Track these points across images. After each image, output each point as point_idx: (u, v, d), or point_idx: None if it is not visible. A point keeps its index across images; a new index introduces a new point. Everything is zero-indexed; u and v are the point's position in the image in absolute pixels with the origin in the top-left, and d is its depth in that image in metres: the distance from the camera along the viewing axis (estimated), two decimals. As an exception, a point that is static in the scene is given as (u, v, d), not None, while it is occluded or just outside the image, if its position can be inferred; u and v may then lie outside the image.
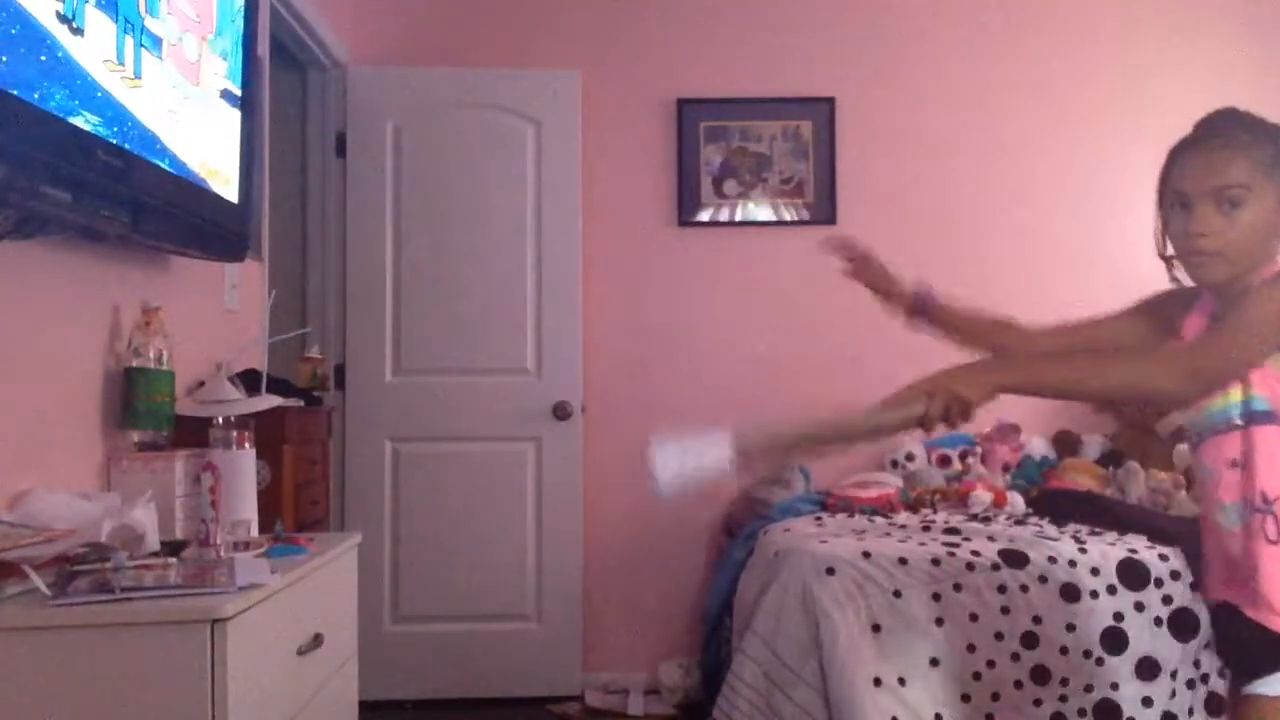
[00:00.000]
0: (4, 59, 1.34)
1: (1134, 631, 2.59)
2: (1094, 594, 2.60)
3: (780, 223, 3.80)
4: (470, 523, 3.44)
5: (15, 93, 1.37)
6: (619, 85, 3.76)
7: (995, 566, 2.61)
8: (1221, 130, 1.47)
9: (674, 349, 3.71)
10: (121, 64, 1.64)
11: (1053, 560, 2.63)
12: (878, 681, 2.48)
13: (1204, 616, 2.61)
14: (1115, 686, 2.57)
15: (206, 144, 2.01)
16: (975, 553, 2.65)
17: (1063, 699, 2.56)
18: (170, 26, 1.82)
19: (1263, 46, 3.87)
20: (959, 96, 3.83)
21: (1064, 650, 2.57)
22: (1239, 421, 1.44)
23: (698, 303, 3.76)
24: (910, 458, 3.64)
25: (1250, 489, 1.43)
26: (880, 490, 3.36)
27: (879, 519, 3.13)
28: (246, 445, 1.84)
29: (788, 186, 3.80)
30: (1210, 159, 1.44)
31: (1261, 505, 1.42)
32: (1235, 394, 1.43)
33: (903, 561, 2.60)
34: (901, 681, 2.50)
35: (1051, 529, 2.93)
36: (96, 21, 1.57)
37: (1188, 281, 1.54)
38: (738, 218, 3.80)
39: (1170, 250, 1.53)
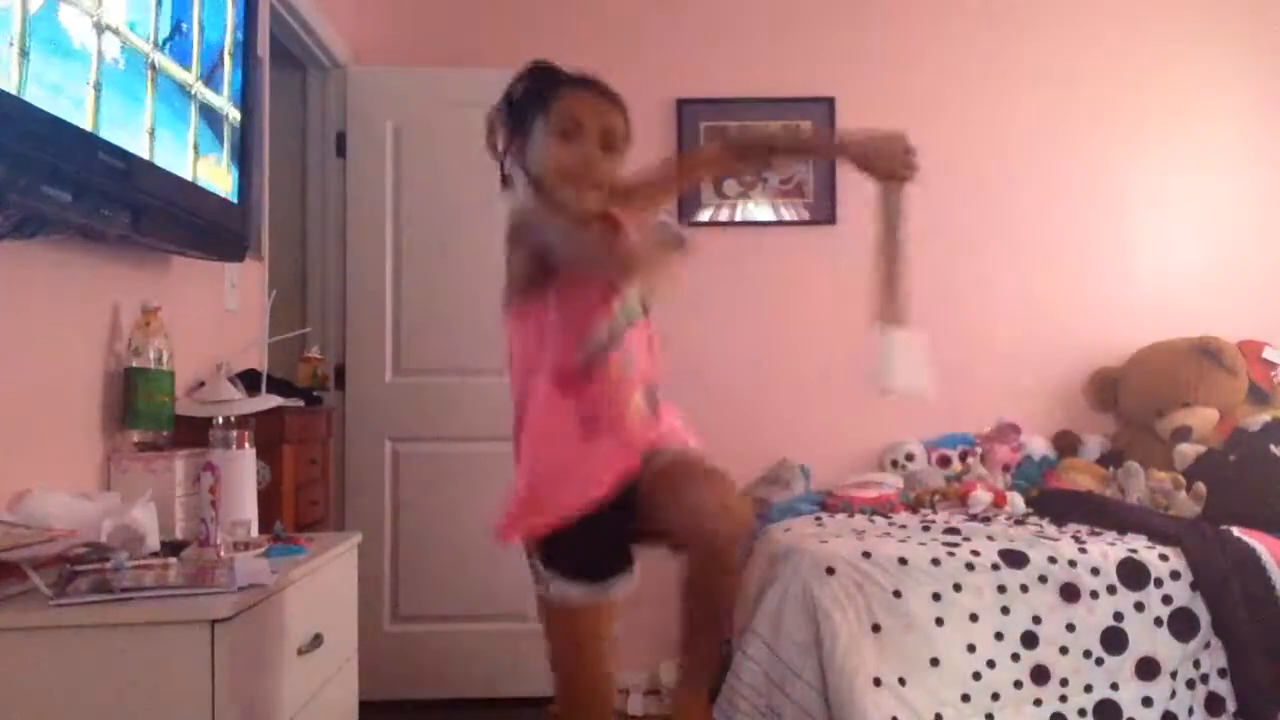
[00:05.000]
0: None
1: (1134, 631, 2.59)
2: (1094, 594, 2.60)
3: (780, 223, 3.80)
4: (470, 523, 3.43)
5: (15, 92, 1.37)
6: (619, 85, 3.72)
7: (995, 566, 2.61)
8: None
9: (673, 349, 3.70)
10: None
11: (1053, 560, 2.63)
12: (878, 681, 2.48)
13: (1204, 617, 2.62)
14: (1115, 686, 2.57)
15: (206, 144, 2.01)
16: (975, 553, 2.65)
17: (1063, 699, 2.56)
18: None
19: (1251, 46, 3.87)
20: (959, 96, 3.83)
21: (1064, 650, 2.57)
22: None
23: (698, 303, 3.76)
24: (910, 458, 3.64)
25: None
26: (880, 490, 3.37)
27: (879, 519, 3.13)
28: (246, 445, 1.84)
29: (788, 186, 3.80)
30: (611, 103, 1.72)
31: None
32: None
33: (903, 561, 2.60)
34: (901, 681, 2.50)
35: (1051, 529, 2.93)
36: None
37: None
38: (738, 218, 3.80)
39: None
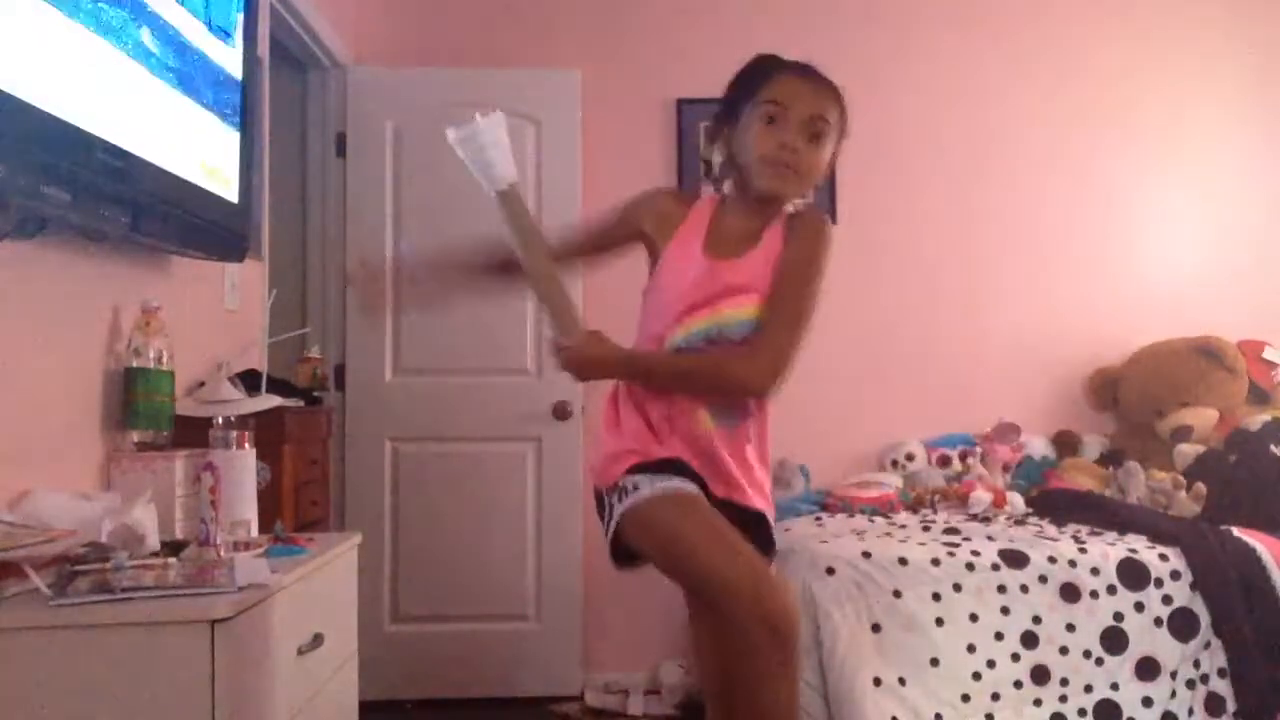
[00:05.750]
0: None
1: (1134, 631, 2.59)
2: (1094, 594, 2.60)
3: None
4: (470, 522, 3.44)
5: (14, 92, 1.37)
6: (619, 85, 3.76)
7: (995, 566, 2.62)
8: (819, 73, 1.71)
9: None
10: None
11: (1053, 560, 2.63)
12: (878, 681, 2.48)
13: (1204, 617, 2.62)
14: (1115, 686, 2.57)
15: (206, 144, 2.01)
16: (975, 553, 2.65)
17: (1063, 699, 2.56)
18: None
19: (1247, 39, 3.87)
20: (959, 96, 3.83)
21: (1064, 650, 2.57)
22: None
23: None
24: (910, 458, 3.64)
25: None
26: (880, 490, 3.37)
27: (879, 519, 3.13)
28: (246, 445, 1.84)
29: (788, 186, 3.80)
30: (817, 89, 1.67)
31: None
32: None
33: (903, 561, 2.60)
34: (901, 681, 2.50)
35: (1051, 529, 2.93)
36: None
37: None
38: (738, 218, 3.79)
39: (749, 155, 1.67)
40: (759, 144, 1.63)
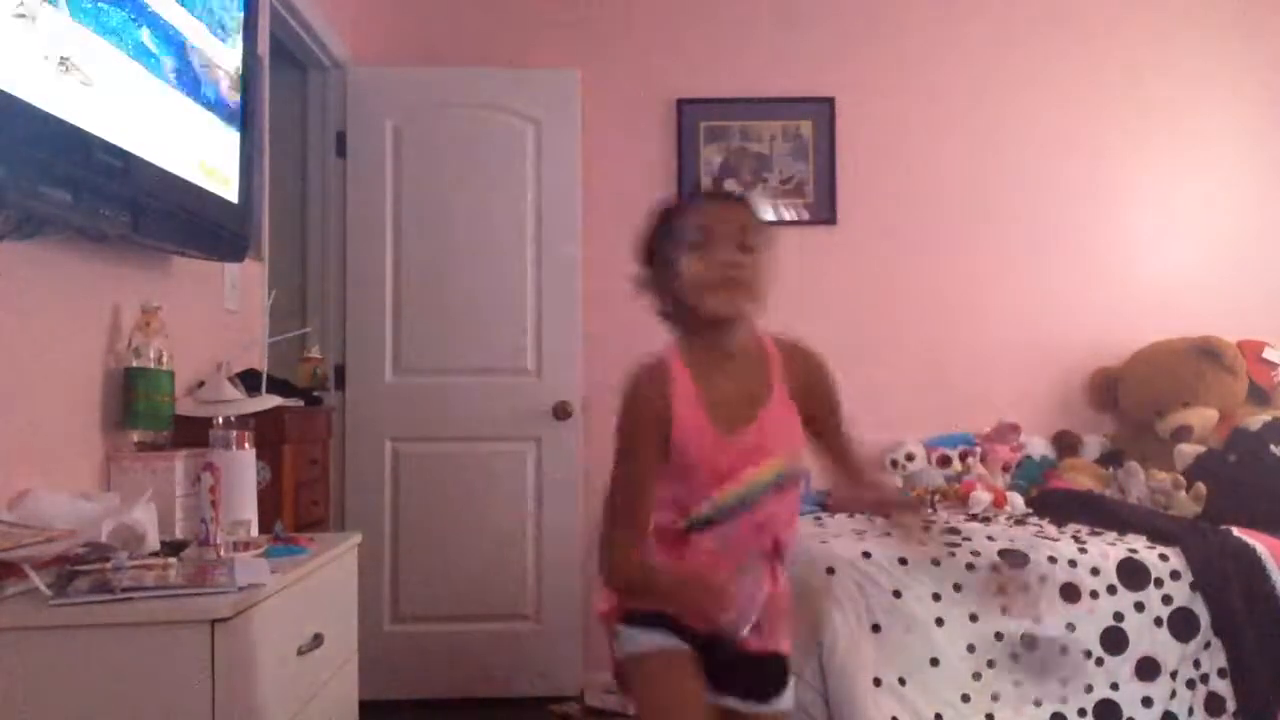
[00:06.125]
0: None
1: (1134, 631, 2.59)
2: (1094, 594, 2.60)
3: (780, 223, 3.80)
4: (470, 523, 3.44)
5: (14, 92, 1.37)
6: (619, 85, 3.76)
7: (995, 566, 2.61)
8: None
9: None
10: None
11: (1053, 560, 2.63)
12: (878, 681, 2.48)
13: (1204, 617, 2.62)
14: (1115, 686, 2.57)
15: (206, 144, 2.01)
16: (975, 553, 2.65)
17: (1063, 699, 2.56)
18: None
19: (1251, 41, 3.87)
20: (959, 96, 3.83)
21: (1064, 650, 2.57)
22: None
23: (698, 303, 3.76)
24: (910, 458, 3.64)
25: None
26: (880, 490, 3.36)
27: (879, 519, 3.13)
28: (246, 445, 1.84)
29: (788, 186, 3.80)
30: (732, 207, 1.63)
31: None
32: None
33: (903, 561, 2.60)
34: (901, 681, 2.50)
35: (1051, 529, 2.93)
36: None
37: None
38: (738, 218, 3.79)
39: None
40: (693, 271, 1.57)
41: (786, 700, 1.66)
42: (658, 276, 1.66)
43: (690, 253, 1.58)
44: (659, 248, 1.65)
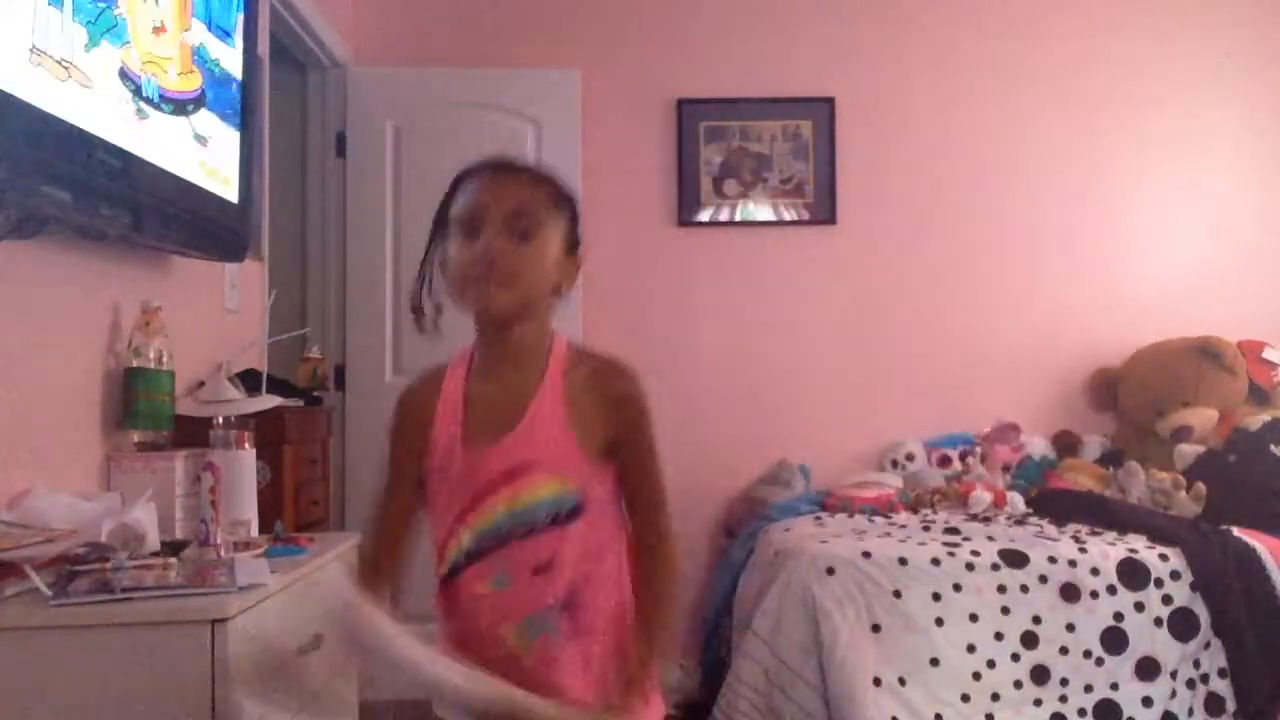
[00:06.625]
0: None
1: (1134, 631, 2.59)
2: (1094, 594, 2.60)
3: (780, 223, 3.80)
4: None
5: (14, 92, 1.37)
6: (619, 85, 3.76)
7: (995, 566, 2.61)
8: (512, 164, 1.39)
9: (674, 349, 3.71)
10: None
11: (1053, 560, 2.63)
12: (878, 681, 2.48)
13: (1204, 617, 2.62)
14: (1115, 686, 2.57)
15: (206, 144, 2.01)
16: (975, 553, 2.65)
17: (1063, 699, 2.56)
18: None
19: (1250, 41, 3.87)
20: (959, 96, 3.83)
21: (1064, 650, 2.57)
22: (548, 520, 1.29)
23: (697, 303, 3.76)
24: (910, 458, 3.64)
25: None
26: (880, 490, 3.37)
27: (879, 519, 3.13)
28: (246, 445, 1.84)
29: (788, 186, 3.80)
30: (511, 183, 1.35)
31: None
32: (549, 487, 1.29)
33: (903, 561, 2.60)
34: (901, 681, 2.50)
35: (1051, 529, 2.93)
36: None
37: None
38: (738, 218, 3.80)
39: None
40: (460, 262, 1.32)
41: None
42: (435, 263, 1.41)
43: (459, 240, 1.33)
44: (438, 231, 1.40)
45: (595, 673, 1.31)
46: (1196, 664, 2.60)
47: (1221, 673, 2.61)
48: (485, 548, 1.33)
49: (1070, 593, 2.59)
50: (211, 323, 2.44)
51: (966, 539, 2.77)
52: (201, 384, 2.24)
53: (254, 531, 1.84)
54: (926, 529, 2.93)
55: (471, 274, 1.31)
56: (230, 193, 2.13)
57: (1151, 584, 2.62)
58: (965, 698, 2.52)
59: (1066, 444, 3.68)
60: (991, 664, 2.54)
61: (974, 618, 2.56)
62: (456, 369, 1.41)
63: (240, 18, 2.17)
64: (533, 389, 1.32)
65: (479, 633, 1.36)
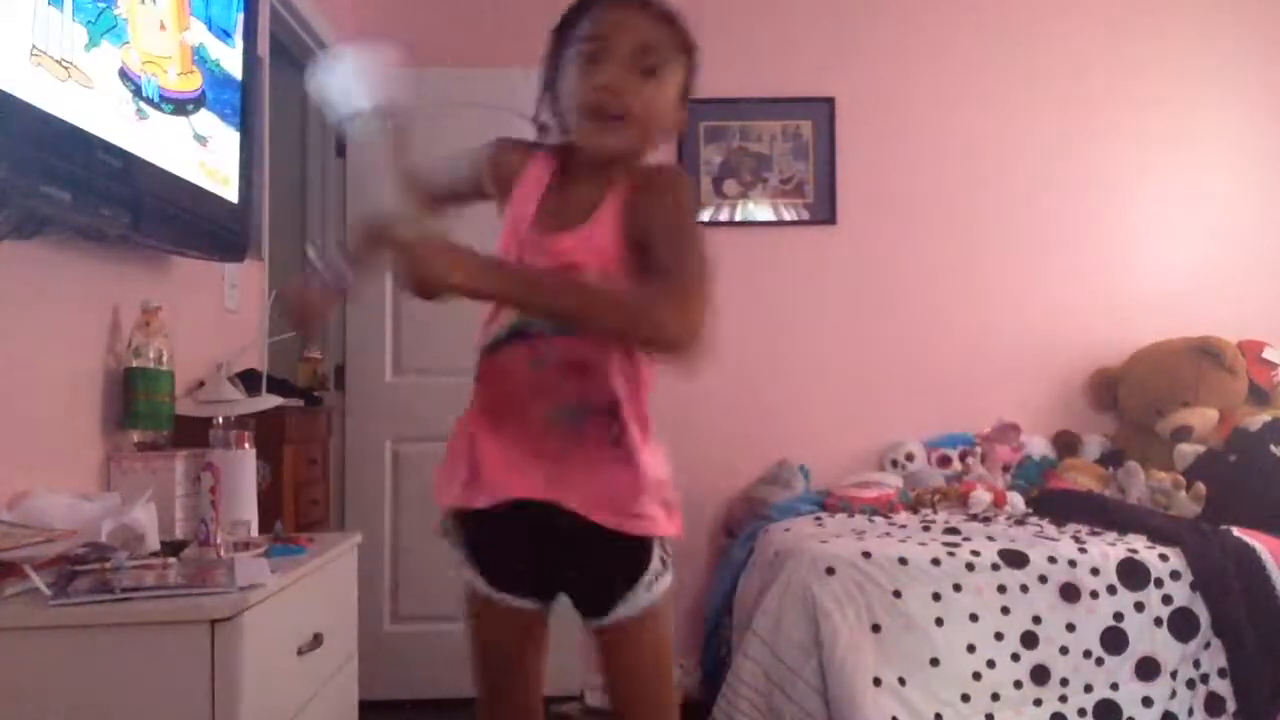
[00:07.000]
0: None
1: (1134, 631, 2.59)
2: (1094, 594, 2.60)
3: (780, 223, 3.80)
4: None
5: (14, 92, 1.37)
6: (619, 85, 3.75)
7: (995, 566, 2.61)
8: None
9: (674, 349, 3.71)
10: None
11: (1053, 560, 2.63)
12: (878, 681, 2.48)
13: (1204, 617, 2.62)
14: (1115, 686, 2.57)
15: (206, 144, 2.01)
16: (975, 553, 2.65)
17: (1063, 699, 2.56)
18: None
19: (1250, 42, 3.87)
20: (959, 96, 3.83)
21: (1064, 650, 2.57)
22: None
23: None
24: (910, 458, 3.64)
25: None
26: (880, 490, 3.37)
27: (879, 519, 3.13)
28: (246, 445, 1.84)
29: (788, 186, 3.80)
30: (643, 15, 1.31)
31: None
32: None
33: (903, 561, 2.60)
34: (901, 681, 2.50)
35: (1051, 529, 2.93)
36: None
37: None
38: (738, 218, 3.80)
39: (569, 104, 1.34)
40: (578, 91, 1.31)
41: (638, 600, 1.36)
42: (552, 81, 1.38)
43: (580, 66, 1.31)
44: (559, 45, 1.38)
45: (611, 474, 1.32)
46: (1196, 664, 2.61)
47: (1221, 673, 2.61)
48: (527, 332, 1.32)
49: (1070, 593, 2.59)
50: (211, 323, 2.44)
51: (966, 539, 2.77)
52: (201, 384, 2.24)
53: (254, 531, 1.84)
54: (926, 529, 2.93)
55: (589, 104, 1.29)
56: (230, 193, 2.13)
57: (1151, 584, 2.62)
58: (965, 698, 2.52)
59: (1066, 444, 3.68)
60: (991, 664, 2.54)
61: (974, 618, 2.56)
62: (544, 159, 1.39)
63: (240, 18, 2.17)
64: (600, 197, 1.32)
65: (510, 404, 1.34)
